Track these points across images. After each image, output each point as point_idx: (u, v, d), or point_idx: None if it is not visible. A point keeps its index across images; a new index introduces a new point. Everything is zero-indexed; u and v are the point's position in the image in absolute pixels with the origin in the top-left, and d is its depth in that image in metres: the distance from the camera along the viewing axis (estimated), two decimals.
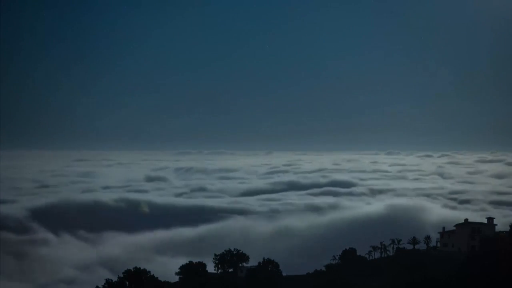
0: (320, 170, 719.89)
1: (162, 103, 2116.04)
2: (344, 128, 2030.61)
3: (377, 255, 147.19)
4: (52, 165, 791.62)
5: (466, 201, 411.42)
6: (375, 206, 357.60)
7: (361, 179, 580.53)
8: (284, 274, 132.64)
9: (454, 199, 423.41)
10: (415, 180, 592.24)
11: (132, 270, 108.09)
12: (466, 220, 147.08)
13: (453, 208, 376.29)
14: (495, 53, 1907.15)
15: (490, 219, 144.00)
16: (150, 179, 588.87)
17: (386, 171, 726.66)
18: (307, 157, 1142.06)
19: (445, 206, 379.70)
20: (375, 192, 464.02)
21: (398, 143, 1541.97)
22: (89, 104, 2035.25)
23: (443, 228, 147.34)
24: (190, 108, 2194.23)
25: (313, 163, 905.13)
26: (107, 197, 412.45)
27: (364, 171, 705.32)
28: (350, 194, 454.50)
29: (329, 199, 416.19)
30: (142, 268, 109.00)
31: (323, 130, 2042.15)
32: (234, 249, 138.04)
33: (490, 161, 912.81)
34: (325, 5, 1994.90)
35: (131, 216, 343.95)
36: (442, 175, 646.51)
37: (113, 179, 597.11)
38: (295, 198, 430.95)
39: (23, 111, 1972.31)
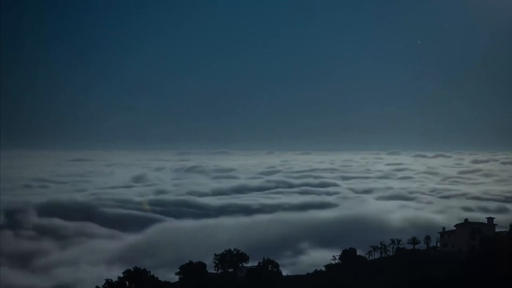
0: (312, 170, 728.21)
1: (165, 104, 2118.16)
2: (349, 128, 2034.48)
3: (377, 255, 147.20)
4: (47, 165, 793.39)
5: (446, 197, 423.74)
6: (329, 209, 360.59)
7: (348, 179, 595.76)
8: (284, 274, 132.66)
9: (432, 197, 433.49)
10: (402, 180, 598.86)
11: (132, 270, 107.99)
12: (466, 220, 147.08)
13: (429, 203, 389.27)
14: (493, 54, 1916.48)
15: (490, 219, 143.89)
16: (139, 179, 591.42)
17: (380, 171, 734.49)
18: (307, 157, 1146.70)
19: (419, 203, 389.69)
20: (354, 192, 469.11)
21: (402, 144, 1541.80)
22: (91, 105, 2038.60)
23: (443, 228, 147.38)
24: (193, 109, 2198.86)
25: (310, 163, 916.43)
26: (83, 196, 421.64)
27: (356, 171, 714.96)
28: (324, 193, 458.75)
29: (288, 198, 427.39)
30: (142, 268, 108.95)
31: (328, 130, 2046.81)
32: (234, 249, 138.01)
33: (486, 161, 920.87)
34: (327, 8, 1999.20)
35: (98, 215, 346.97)
36: (434, 175, 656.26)
37: (103, 179, 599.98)
38: (255, 197, 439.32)
39: (24, 112, 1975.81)
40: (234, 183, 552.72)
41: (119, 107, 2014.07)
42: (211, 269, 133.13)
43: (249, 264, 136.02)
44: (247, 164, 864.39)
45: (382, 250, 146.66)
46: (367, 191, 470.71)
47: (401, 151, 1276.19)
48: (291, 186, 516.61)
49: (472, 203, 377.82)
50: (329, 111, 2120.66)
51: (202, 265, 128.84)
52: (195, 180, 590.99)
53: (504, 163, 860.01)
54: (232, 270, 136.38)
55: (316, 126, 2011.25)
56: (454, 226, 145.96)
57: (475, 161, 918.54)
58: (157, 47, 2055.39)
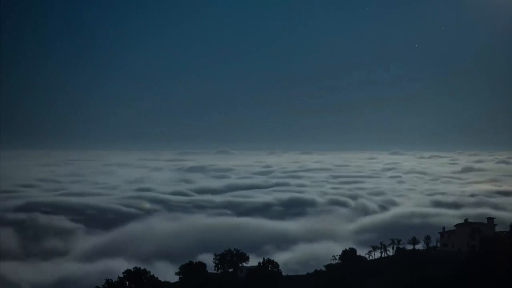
0: (306, 170, 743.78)
1: (167, 104, 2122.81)
2: (357, 128, 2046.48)
3: (377, 255, 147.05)
4: (46, 165, 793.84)
5: (427, 196, 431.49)
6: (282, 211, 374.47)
7: (338, 177, 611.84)
8: (284, 274, 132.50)
9: (408, 195, 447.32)
10: (389, 180, 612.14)
11: (132, 270, 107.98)
12: (466, 220, 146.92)
13: (399, 202, 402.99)
14: (492, 56, 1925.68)
15: (490, 219, 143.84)
16: (130, 179, 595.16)
17: (373, 170, 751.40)
18: (307, 157, 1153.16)
19: (390, 201, 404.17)
20: (334, 191, 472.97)
21: (409, 144, 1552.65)
22: (92, 105, 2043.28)
23: (443, 228, 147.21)
24: (196, 109, 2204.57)
25: (308, 162, 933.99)
26: (66, 195, 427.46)
27: (350, 171, 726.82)
28: (296, 192, 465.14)
29: (255, 198, 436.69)
30: (142, 268, 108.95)
31: (335, 131, 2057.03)
32: (234, 249, 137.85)
33: (481, 161, 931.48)
34: (327, 9, 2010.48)
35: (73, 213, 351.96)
36: (425, 174, 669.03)
37: (97, 179, 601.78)
38: (224, 197, 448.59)
39: (24, 112, 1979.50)
40: (224, 182, 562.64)
41: (120, 108, 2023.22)
42: (211, 269, 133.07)
43: (249, 264, 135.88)
44: (247, 164, 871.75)
45: (382, 250, 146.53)
46: (348, 191, 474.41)
47: (404, 151, 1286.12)
48: (270, 186, 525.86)
49: (444, 200, 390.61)
50: (336, 111, 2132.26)
51: (202, 265, 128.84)
52: (187, 180, 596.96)
53: (498, 163, 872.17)
54: (232, 270, 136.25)
55: (323, 126, 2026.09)
56: (454, 226, 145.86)
57: (471, 161, 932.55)
58: (158, 47, 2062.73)
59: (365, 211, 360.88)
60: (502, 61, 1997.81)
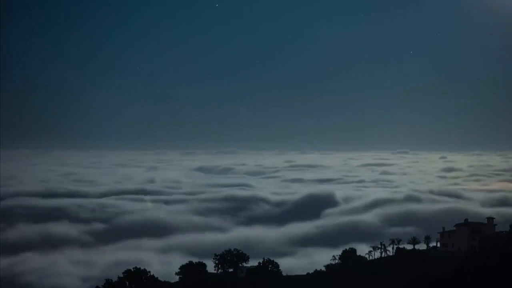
0: (291, 170, 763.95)
1: (172, 103, 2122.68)
2: (363, 128, 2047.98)
3: (377, 255, 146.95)
4: (50, 165, 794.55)
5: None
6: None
7: (313, 177, 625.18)
8: (284, 274, 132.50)
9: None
10: (364, 178, 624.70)
11: (132, 270, 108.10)
12: (466, 220, 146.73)
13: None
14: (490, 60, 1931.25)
15: (490, 219, 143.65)
16: (117, 181, 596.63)
17: (357, 169, 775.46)
18: (306, 156, 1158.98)
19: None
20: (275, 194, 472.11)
21: (423, 144, 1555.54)
22: (95, 105, 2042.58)
23: (443, 228, 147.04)
24: (200, 108, 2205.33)
25: (305, 160, 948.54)
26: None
27: (336, 171, 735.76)
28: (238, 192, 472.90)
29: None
30: (142, 268, 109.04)
31: (341, 130, 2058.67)
32: (234, 249, 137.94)
33: (472, 161, 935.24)
34: (329, 12, 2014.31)
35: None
36: (409, 175, 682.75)
37: (86, 178, 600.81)
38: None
39: (25, 112, 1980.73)
40: (206, 181, 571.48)
41: (122, 107, 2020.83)
42: (211, 269, 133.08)
43: (249, 264, 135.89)
44: (243, 164, 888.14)
45: (382, 250, 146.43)
46: (311, 190, 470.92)
47: (411, 151, 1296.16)
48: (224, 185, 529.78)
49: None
50: (341, 111, 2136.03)
51: (202, 265, 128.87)
52: (167, 179, 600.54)
53: (485, 163, 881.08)
54: (232, 270, 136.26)
55: (328, 126, 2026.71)
56: (454, 226, 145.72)
57: (467, 161, 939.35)
58: (159, 47, 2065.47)
59: (308, 211, 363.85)
60: (499, 64, 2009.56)
